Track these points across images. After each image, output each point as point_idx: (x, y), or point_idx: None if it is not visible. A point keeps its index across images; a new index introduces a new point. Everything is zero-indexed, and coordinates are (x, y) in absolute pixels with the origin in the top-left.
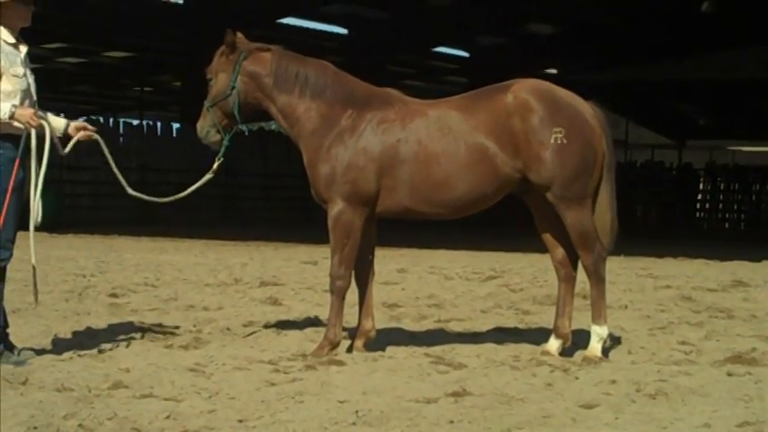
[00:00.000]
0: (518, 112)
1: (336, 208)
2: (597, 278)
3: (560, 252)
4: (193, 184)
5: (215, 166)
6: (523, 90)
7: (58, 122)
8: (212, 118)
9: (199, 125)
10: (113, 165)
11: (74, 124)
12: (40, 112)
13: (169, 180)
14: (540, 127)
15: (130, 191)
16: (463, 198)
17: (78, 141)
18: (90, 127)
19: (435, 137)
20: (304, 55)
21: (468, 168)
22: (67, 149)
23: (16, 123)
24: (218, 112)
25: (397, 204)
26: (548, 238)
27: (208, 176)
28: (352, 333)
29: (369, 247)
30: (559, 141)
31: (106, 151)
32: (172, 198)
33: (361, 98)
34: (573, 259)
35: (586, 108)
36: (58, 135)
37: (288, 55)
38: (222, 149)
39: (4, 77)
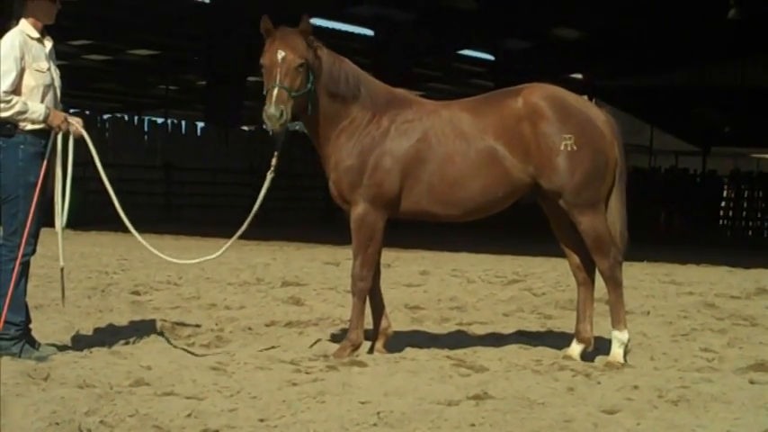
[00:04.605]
0: (528, 117)
1: (360, 210)
2: (614, 283)
3: (577, 257)
4: (216, 183)
5: (273, 162)
6: (534, 95)
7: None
8: (291, 107)
9: (277, 108)
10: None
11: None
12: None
13: (193, 179)
14: (550, 133)
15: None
16: (475, 199)
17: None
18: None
19: (449, 137)
20: None
21: (480, 170)
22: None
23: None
24: (295, 102)
25: (413, 205)
26: (564, 243)
27: (270, 176)
28: (370, 335)
29: None
30: (569, 148)
31: (95, 154)
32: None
33: (383, 99)
34: (590, 264)
35: (598, 115)
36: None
37: (334, 54)
38: (279, 144)
39: (27, 72)
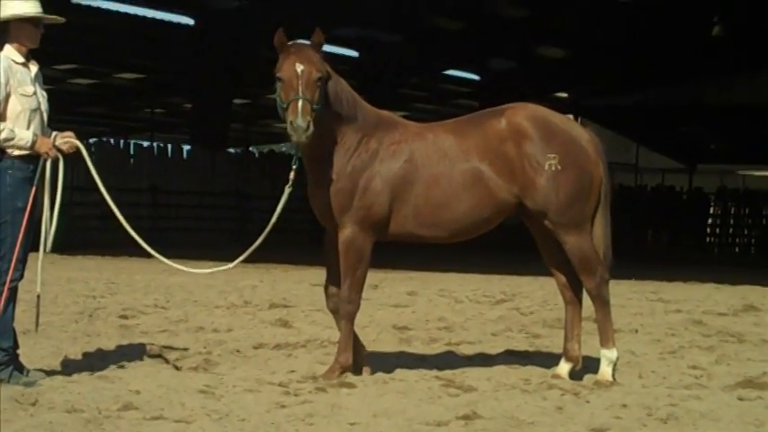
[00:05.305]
0: (512, 137)
1: (349, 233)
2: (601, 302)
3: (564, 276)
4: (203, 206)
5: (291, 176)
6: (518, 115)
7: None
8: (314, 120)
9: (305, 119)
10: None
11: (60, 136)
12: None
13: (180, 202)
14: (534, 153)
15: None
16: (460, 220)
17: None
18: (72, 138)
19: (434, 159)
20: None
21: (465, 191)
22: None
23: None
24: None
25: (399, 228)
26: (551, 262)
27: (288, 190)
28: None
29: None
30: (554, 168)
31: (90, 164)
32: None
33: (372, 121)
34: (577, 283)
35: (582, 134)
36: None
37: (334, 73)
38: (295, 159)
39: (12, 97)
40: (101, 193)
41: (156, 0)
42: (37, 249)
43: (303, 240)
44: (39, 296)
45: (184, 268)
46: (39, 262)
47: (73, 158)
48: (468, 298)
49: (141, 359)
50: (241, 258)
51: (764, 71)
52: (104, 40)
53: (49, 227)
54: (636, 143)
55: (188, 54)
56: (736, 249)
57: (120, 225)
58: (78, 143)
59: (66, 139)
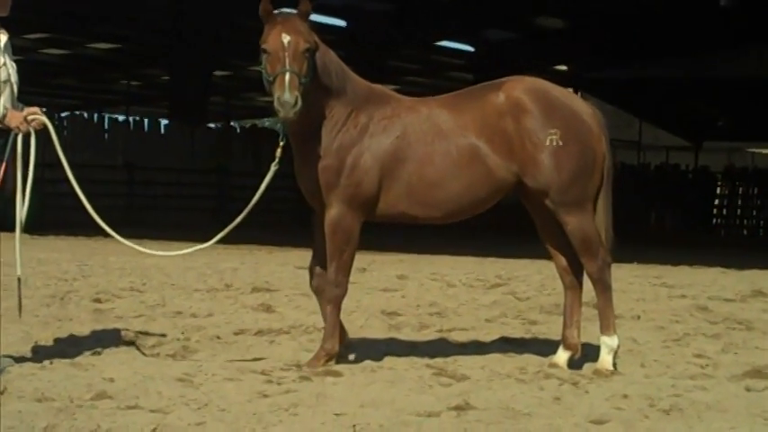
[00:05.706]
0: (511, 112)
1: (337, 212)
2: (603, 286)
3: (564, 259)
4: (182, 183)
5: (278, 152)
6: (516, 89)
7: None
8: (302, 94)
9: (292, 94)
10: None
11: (26, 111)
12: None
13: (157, 179)
14: (535, 128)
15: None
16: (456, 200)
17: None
18: (38, 115)
19: (428, 135)
20: None
21: (461, 169)
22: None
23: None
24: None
25: (391, 207)
26: (550, 244)
27: (274, 168)
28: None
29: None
30: (555, 143)
31: (57, 143)
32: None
33: (362, 95)
34: (578, 266)
35: (584, 108)
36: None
37: (322, 43)
38: (282, 135)
39: None
40: (72, 171)
41: None
42: (8, 229)
43: (288, 220)
44: (19, 279)
45: (146, 251)
46: (17, 242)
47: (45, 134)
48: (461, 282)
49: (116, 345)
50: (217, 238)
51: None
52: (77, 6)
53: (21, 205)
54: (639, 119)
55: (166, 23)
56: (745, 232)
57: (93, 205)
58: (45, 119)
59: (32, 117)
